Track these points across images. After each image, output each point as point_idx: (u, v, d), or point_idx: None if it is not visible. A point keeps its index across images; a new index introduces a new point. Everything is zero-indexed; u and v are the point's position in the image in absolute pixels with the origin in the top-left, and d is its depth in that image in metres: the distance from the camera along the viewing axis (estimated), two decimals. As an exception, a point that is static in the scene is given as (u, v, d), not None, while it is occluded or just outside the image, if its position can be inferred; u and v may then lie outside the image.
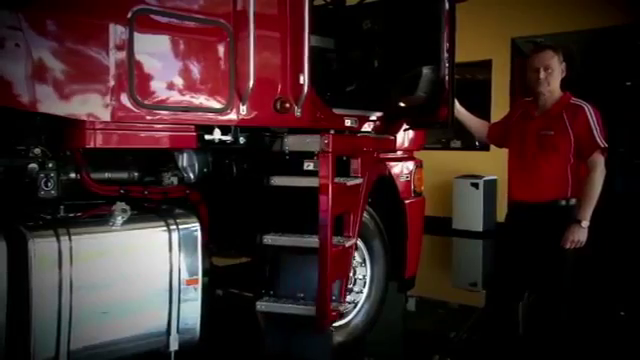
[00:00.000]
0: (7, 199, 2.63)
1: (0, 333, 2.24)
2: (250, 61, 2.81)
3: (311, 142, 3.07)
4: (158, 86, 2.63)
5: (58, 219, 2.52)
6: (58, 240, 2.31)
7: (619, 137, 7.05)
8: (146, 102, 2.57)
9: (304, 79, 3.06)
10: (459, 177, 8.41)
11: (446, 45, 3.50)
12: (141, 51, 2.54)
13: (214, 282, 3.37)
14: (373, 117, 3.75)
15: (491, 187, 8.23)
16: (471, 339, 4.17)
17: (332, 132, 3.16)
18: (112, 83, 2.47)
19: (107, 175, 2.92)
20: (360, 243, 3.52)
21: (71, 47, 2.39)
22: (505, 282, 3.40)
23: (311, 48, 3.11)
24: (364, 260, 3.75)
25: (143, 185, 3.03)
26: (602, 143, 3.09)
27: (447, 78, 3.50)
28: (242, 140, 3.07)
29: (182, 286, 2.67)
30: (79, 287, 2.35)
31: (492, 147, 4.89)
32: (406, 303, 4.95)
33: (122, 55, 2.48)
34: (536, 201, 3.20)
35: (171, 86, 2.67)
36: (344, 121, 3.52)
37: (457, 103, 3.58)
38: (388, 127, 3.83)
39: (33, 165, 2.62)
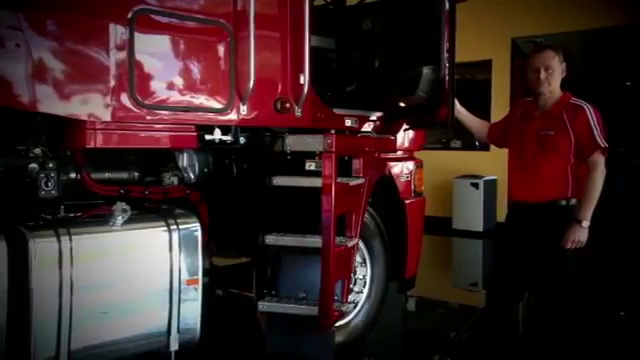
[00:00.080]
0: (7, 199, 2.63)
1: (0, 333, 2.24)
2: (250, 61, 2.81)
3: (312, 142, 3.07)
4: (158, 86, 2.63)
5: (58, 219, 2.52)
6: (58, 240, 2.31)
7: (619, 137, 7.05)
8: (146, 102, 2.57)
9: (304, 79, 3.06)
10: (459, 177, 8.41)
11: (446, 45, 3.50)
12: (141, 51, 2.53)
13: (214, 282, 3.37)
14: (373, 117, 3.75)
15: (491, 187, 8.23)
16: (471, 339, 4.17)
17: (333, 132, 3.15)
18: (112, 83, 2.47)
19: (107, 175, 2.92)
20: (360, 243, 3.52)
21: (71, 47, 2.38)
22: (505, 282, 3.40)
23: (311, 48, 3.11)
24: (364, 260, 3.75)
25: (143, 185, 3.03)
26: (602, 143, 3.10)
27: (447, 78, 3.50)
28: (242, 140, 3.07)
29: (182, 286, 2.67)
30: (79, 287, 2.35)
31: (492, 147, 4.89)
32: (406, 303, 4.95)
33: (122, 55, 2.48)
34: (536, 201, 3.20)
35: (171, 86, 2.67)
36: (344, 121, 3.52)
37: (457, 103, 3.58)
38: (388, 127, 3.83)
39: (33, 165, 2.62)
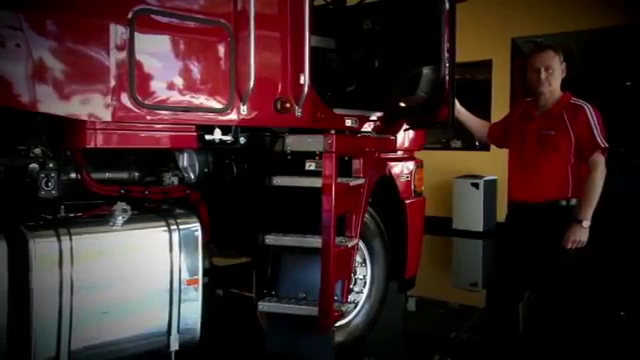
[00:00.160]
0: (8, 199, 2.63)
1: (1, 333, 2.24)
2: (250, 61, 2.81)
3: (313, 142, 3.08)
4: (159, 86, 2.63)
5: (59, 219, 2.52)
6: (59, 240, 2.32)
7: (619, 137, 7.05)
8: (147, 102, 2.58)
9: (304, 79, 3.06)
10: (459, 177, 8.41)
11: (446, 45, 3.49)
12: (142, 51, 2.54)
13: (214, 282, 3.37)
14: (373, 117, 3.75)
15: (491, 187, 8.23)
16: (471, 339, 4.17)
17: (333, 132, 3.15)
18: (113, 83, 2.47)
19: (108, 175, 2.92)
20: (360, 243, 3.52)
21: (72, 47, 2.39)
22: (505, 282, 3.40)
23: (311, 48, 3.11)
24: (364, 260, 3.75)
25: (144, 185, 3.03)
26: (603, 143, 3.10)
27: (447, 78, 3.50)
28: (242, 140, 3.07)
29: (182, 286, 2.68)
30: (80, 287, 2.35)
31: (492, 147, 4.90)
32: (406, 303, 4.95)
33: (123, 55, 2.48)
34: (536, 201, 3.20)
35: (172, 86, 2.68)
36: (344, 121, 3.52)
37: (457, 103, 3.58)
38: (388, 127, 3.83)
39: (34, 165, 2.62)
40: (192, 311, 2.72)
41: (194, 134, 2.81)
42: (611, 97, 7.47)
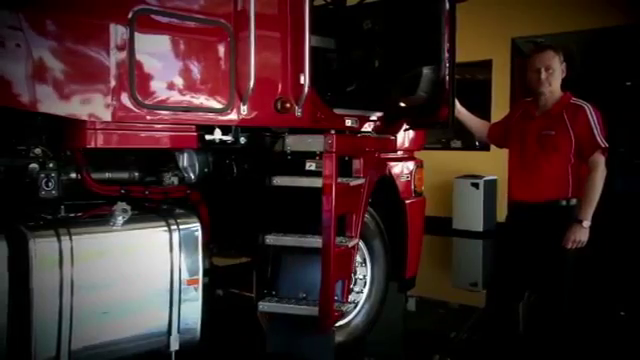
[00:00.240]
0: (8, 199, 2.63)
1: (1, 333, 2.24)
2: (251, 61, 2.81)
3: (313, 142, 3.08)
4: (159, 86, 2.63)
5: (59, 219, 2.52)
6: (59, 240, 2.32)
7: (619, 137, 7.05)
8: (147, 102, 2.57)
9: (305, 79, 3.06)
10: (459, 177, 8.41)
11: (446, 45, 3.49)
12: (142, 51, 2.54)
13: (215, 282, 3.37)
14: (373, 117, 3.76)
15: (491, 187, 8.23)
16: (471, 339, 4.17)
17: (333, 132, 3.15)
18: (113, 83, 2.47)
19: (108, 175, 2.92)
20: (360, 243, 3.52)
21: (72, 47, 2.39)
22: (505, 282, 3.40)
23: (311, 48, 3.11)
24: (364, 260, 3.75)
25: (144, 185, 3.03)
26: (603, 143, 3.10)
27: (447, 78, 3.50)
28: (243, 140, 3.07)
29: (183, 286, 2.68)
30: (80, 287, 2.35)
31: (492, 147, 4.89)
32: (406, 303, 4.95)
33: (123, 55, 2.48)
34: (537, 201, 3.20)
35: (172, 86, 2.67)
36: (344, 121, 3.52)
37: (457, 103, 3.58)
38: (388, 127, 3.83)
39: (34, 165, 2.62)
40: (192, 311, 2.72)
41: (194, 134, 2.81)
42: (611, 97, 7.47)
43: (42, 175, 2.60)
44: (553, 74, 3.19)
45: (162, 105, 2.65)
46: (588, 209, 3.10)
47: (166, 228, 2.66)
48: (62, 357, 2.33)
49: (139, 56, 2.53)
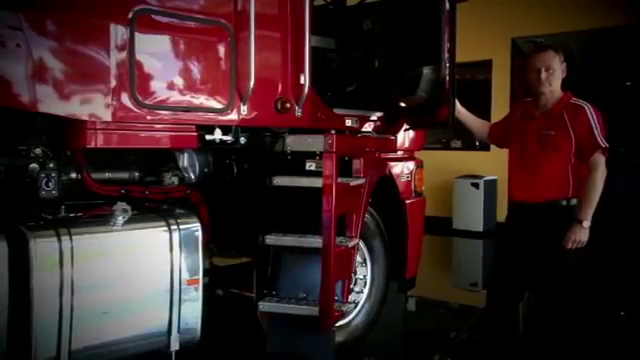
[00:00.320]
0: (8, 199, 2.63)
1: (1, 333, 2.24)
2: (251, 61, 2.81)
3: (313, 142, 3.08)
4: (159, 86, 2.63)
5: (59, 219, 2.52)
6: (59, 240, 2.32)
7: (619, 137, 7.05)
8: (147, 102, 2.57)
9: (305, 79, 3.06)
10: (459, 177, 8.41)
11: (446, 45, 3.49)
12: (142, 51, 2.54)
13: (215, 282, 3.37)
14: (374, 117, 3.76)
15: (491, 187, 8.23)
16: (471, 339, 4.17)
17: (333, 132, 3.16)
18: (113, 83, 2.47)
19: (108, 175, 2.92)
20: (361, 243, 3.52)
21: (72, 47, 2.39)
22: (506, 282, 3.40)
23: (312, 48, 3.11)
24: (365, 260, 3.75)
25: (144, 185, 3.03)
26: (603, 143, 3.09)
27: (447, 78, 3.50)
28: (243, 140, 3.07)
29: (183, 286, 2.68)
30: (80, 287, 2.35)
31: (492, 147, 4.90)
32: (406, 303, 4.95)
33: (123, 55, 2.48)
34: (537, 201, 3.20)
35: (172, 86, 2.67)
36: (345, 121, 3.52)
37: (457, 103, 3.58)
38: (389, 127, 3.83)
39: (34, 165, 2.62)
40: (192, 311, 2.72)
41: (194, 134, 2.81)
42: (611, 97, 7.47)
43: (42, 175, 2.60)
44: (553, 74, 3.19)
45: (162, 105, 2.65)
46: (588, 209, 3.10)
47: (166, 228, 2.66)
48: (62, 357, 2.32)
49: (139, 56, 2.52)
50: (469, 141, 8.18)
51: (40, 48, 2.29)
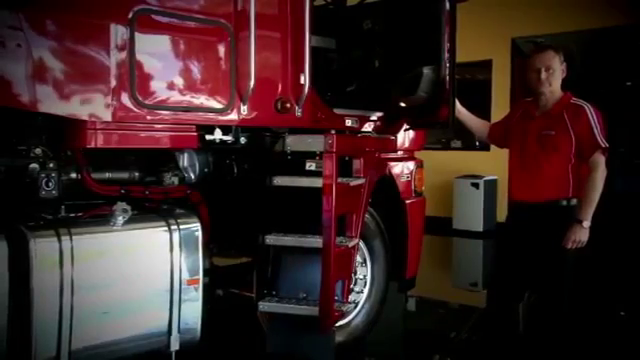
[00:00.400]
0: (8, 199, 2.63)
1: (1, 333, 2.24)
2: (251, 61, 2.81)
3: (313, 142, 3.08)
4: (159, 86, 2.63)
5: (59, 219, 2.52)
6: (59, 240, 2.32)
7: (619, 137, 7.05)
8: (147, 102, 2.57)
9: (305, 79, 3.06)
10: (459, 177, 8.41)
11: (447, 45, 3.49)
12: (142, 51, 2.54)
13: (215, 282, 3.37)
14: (374, 117, 3.76)
15: (491, 187, 8.24)
16: (471, 339, 4.17)
17: (333, 132, 3.16)
18: (113, 83, 2.47)
19: (108, 175, 2.92)
20: (361, 243, 3.52)
21: (72, 47, 2.39)
22: (506, 282, 3.40)
23: (312, 48, 3.11)
24: (365, 260, 3.75)
25: (144, 185, 3.03)
26: (603, 143, 3.09)
27: (448, 78, 3.50)
28: (243, 140, 3.07)
29: (183, 286, 2.68)
30: (80, 287, 2.35)
31: (492, 147, 4.90)
32: (406, 303, 4.96)
33: (123, 55, 2.48)
34: (537, 201, 3.20)
35: (172, 86, 2.67)
36: (345, 121, 3.52)
37: (458, 103, 3.58)
38: (389, 127, 3.83)
39: (34, 165, 2.62)
40: (192, 311, 2.72)
41: (194, 134, 2.81)
42: (611, 97, 7.48)
43: (42, 175, 2.60)
44: (553, 74, 3.19)
45: (162, 105, 2.65)
46: (588, 209, 3.10)
47: (166, 228, 2.66)
48: (62, 357, 2.33)
49: (139, 56, 2.52)
50: (469, 141, 8.18)
51: (40, 48, 2.29)
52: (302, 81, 3.07)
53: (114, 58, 2.46)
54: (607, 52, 8.42)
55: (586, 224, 3.09)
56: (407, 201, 4.00)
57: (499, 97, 8.21)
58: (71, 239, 2.34)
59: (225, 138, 2.96)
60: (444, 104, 3.51)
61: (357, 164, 3.30)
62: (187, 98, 2.72)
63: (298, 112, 3.14)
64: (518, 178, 3.33)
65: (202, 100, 2.78)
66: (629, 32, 7.48)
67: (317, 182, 3.00)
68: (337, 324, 3.37)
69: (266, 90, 3.01)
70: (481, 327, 4.22)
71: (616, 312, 4.80)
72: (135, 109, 2.54)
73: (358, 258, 3.65)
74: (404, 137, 4.07)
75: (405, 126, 3.96)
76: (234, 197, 3.40)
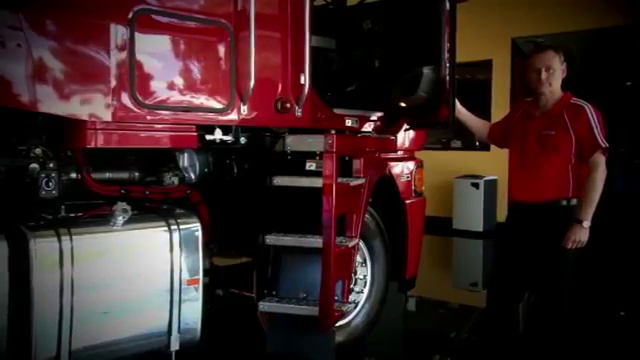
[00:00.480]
0: (8, 199, 2.63)
1: (1, 333, 2.24)
2: (251, 61, 2.81)
3: (313, 142, 3.08)
4: (159, 86, 2.63)
5: (59, 219, 2.52)
6: (59, 240, 2.32)
7: (619, 137, 7.05)
8: (147, 102, 2.58)
9: (305, 79, 3.06)
10: (459, 177, 8.41)
11: (447, 45, 3.49)
12: (142, 51, 2.54)
13: (215, 282, 3.37)
14: (374, 117, 3.76)
15: (491, 187, 8.24)
16: (471, 339, 4.17)
17: (333, 132, 3.16)
18: (113, 83, 2.47)
19: (108, 175, 2.92)
20: (361, 243, 3.52)
21: (72, 47, 2.39)
22: (506, 282, 3.40)
23: (312, 48, 3.11)
24: (365, 260, 3.75)
25: (144, 185, 3.03)
26: (603, 143, 3.09)
27: (448, 78, 3.50)
28: (243, 140, 3.07)
29: (183, 286, 2.68)
30: (80, 287, 2.35)
31: (492, 147, 4.89)
32: (406, 303, 4.96)
33: (123, 55, 2.48)
34: (537, 201, 3.20)
35: (172, 86, 2.67)
36: (345, 121, 3.52)
37: (458, 103, 3.58)
38: (389, 127, 3.83)
39: (34, 165, 2.62)
40: (192, 311, 2.72)
41: (194, 134, 2.81)
42: (611, 97, 7.47)
43: (42, 175, 2.60)
44: (553, 74, 3.19)
45: (162, 105, 2.65)
46: (588, 209, 3.10)
47: (166, 228, 2.66)
48: (62, 357, 2.33)
49: (139, 56, 2.52)
50: (469, 141, 8.18)
51: (40, 48, 2.29)
52: (302, 81, 3.07)
53: (114, 58, 2.46)
54: (607, 52, 8.42)
55: (586, 224, 3.10)
56: (407, 201, 4.00)
57: (499, 97, 8.21)
58: (71, 239, 2.34)
59: (225, 138, 2.96)
60: (444, 104, 3.51)
61: (357, 164, 3.30)
62: (187, 98, 2.72)
63: (298, 112, 3.14)
64: (518, 178, 3.33)
65: (202, 100, 2.78)
66: (629, 32, 7.48)
67: (317, 182, 3.00)
68: (337, 324, 3.37)
69: (266, 90, 3.01)
70: (481, 327, 4.22)
71: (616, 312, 4.80)
72: (135, 109, 2.54)
73: (358, 258, 3.64)
74: (404, 137, 4.07)
75: (405, 126, 3.97)
76: (234, 197, 3.40)
